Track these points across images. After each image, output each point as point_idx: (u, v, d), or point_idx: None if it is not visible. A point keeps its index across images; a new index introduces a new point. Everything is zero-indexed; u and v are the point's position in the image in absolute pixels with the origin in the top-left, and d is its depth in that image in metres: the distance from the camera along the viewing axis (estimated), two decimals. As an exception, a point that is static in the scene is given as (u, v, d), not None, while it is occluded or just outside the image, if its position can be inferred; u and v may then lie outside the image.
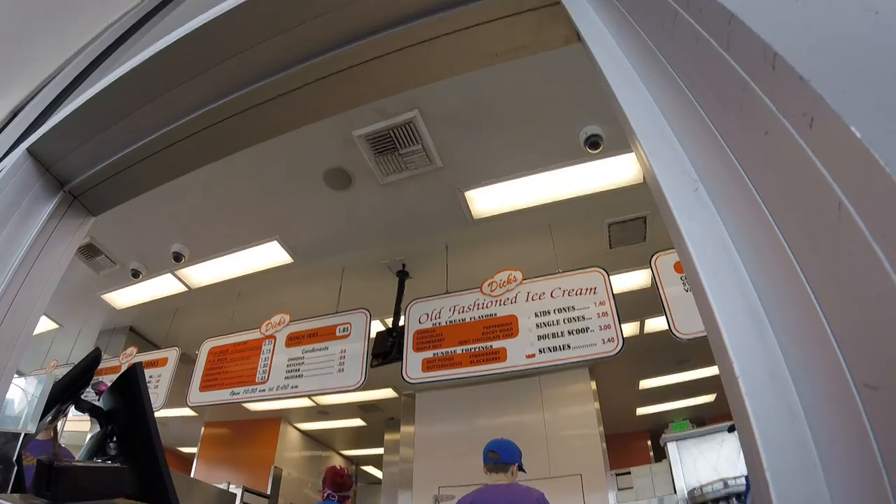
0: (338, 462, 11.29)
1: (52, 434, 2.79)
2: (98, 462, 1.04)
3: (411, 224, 4.65)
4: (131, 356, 5.81)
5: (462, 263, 4.74)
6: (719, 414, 7.09)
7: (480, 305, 4.14)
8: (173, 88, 1.17)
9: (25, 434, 1.44)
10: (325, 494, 3.75)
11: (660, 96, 0.68)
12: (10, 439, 1.45)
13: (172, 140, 1.26)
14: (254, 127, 1.26)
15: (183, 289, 5.68)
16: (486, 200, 4.30)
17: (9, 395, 1.34)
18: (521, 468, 3.40)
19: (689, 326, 3.28)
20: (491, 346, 3.92)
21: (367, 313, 4.63)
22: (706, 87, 0.55)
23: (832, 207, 0.32)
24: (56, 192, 1.39)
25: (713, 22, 0.51)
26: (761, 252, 0.44)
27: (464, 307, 4.20)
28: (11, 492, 1.39)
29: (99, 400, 1.65)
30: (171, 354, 5.59)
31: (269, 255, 5.07)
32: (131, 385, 1.60)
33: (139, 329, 6.74)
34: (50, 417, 1.46)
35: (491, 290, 4.13)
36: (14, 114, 1.88)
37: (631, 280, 5.23)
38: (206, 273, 5.41)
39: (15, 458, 1.44)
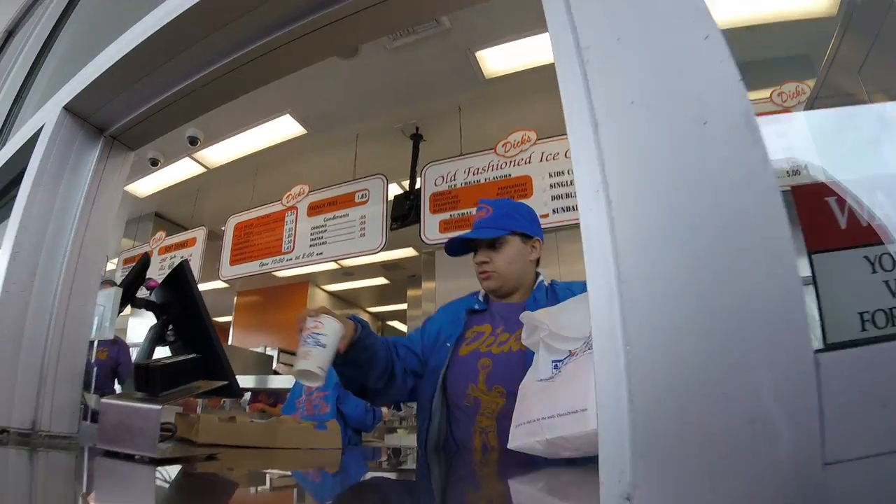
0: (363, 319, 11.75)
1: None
2: (180, 357, 1.22)
3: (422, 87, 4.58)
4: (160, 240, 6.01)
5: (475, 124, 4.71)
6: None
7: (495, 167, 4.18)
8: (201, 41, 1.21)
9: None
10: None
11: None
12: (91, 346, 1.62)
13: (201, 84, 1.31)
14: (279, 65, 1.32)
15: (202, 170, 5.78)
16: (498, 59, 4.21)
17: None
18: None
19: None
20: (506, 206, 3.97)
21: (384, 179, 4.70)
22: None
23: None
24: (98, 137, 1.49)
25: None
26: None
27: (478, 168, 4.25)
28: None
29: (150, 295, 1.79)
30: (199, 234, 5.77)
31: (283, 128, 5.08)
32: (180, 280, 1.73)
33: (164, 213, 6.88)
34: (114, 318, 1.60)
35: (505, 151, 4.14)
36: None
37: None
38: (223, 152, 5.47)
39: (93, 360, 1.62)
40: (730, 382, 0.33)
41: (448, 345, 1.84)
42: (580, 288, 1.81)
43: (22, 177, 1.75)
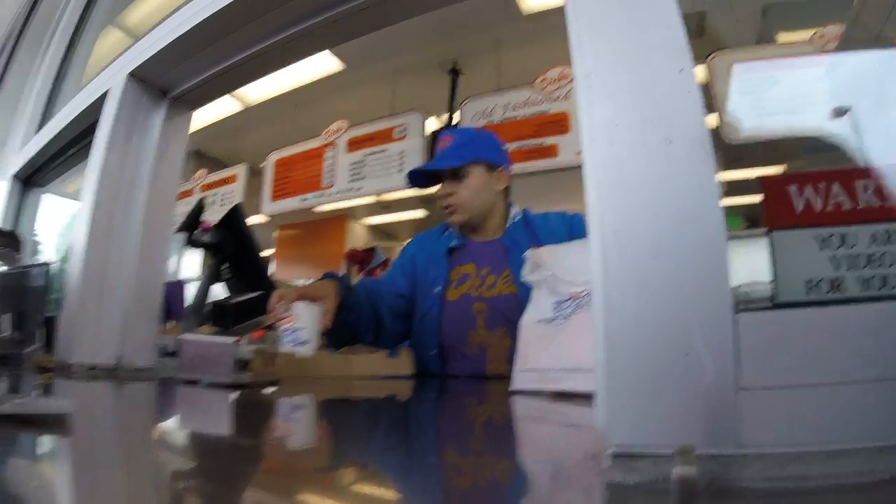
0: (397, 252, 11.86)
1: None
2: (247, 295, 1.35)
3: (460, 21, 4.45)
4: (202, 178, 6.17)
5: (514, 60, 4.63)
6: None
7: (533, 102, 4.14)
8: (260, 17, 1.30)
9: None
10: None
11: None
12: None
13: (257, 55, 1.41)
14: (325, 39, 1.45)
15: (241, 107, 5.84)
16: (535, -7, 4.12)
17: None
18: None
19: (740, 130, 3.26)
20: (543, 143, 4.01)
21: (422, 114, 4.70)
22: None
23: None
24: (162, 99, 1.63)
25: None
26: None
27: (516, 104, 4.21)
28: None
29: (205, 236, 1.92)
30: (240, 171, 5.90)
31: (320, 63, 5.06)
32: (234, 222, 1.86)
33: (204, 151, 6.87)
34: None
35: (543, 87, 4.10)
36: None
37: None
38: (261, 89, 5.46)
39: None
40: (672, 329, 0.47)
41: (436, 290, 1.81)
42: (555, 219, 1.84)
43: (84, 134, 1.92)
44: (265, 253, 10.28)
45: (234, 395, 1.10)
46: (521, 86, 4.24)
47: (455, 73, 5.07)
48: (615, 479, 0.44)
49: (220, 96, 1.68)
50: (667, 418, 0.45)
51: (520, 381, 1.30)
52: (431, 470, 0.57)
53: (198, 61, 1.46)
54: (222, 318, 1.24)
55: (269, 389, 1.24)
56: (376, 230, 10.69)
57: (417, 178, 1.89)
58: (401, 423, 1.01)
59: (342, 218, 9.58)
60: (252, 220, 8.11)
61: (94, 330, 1.39)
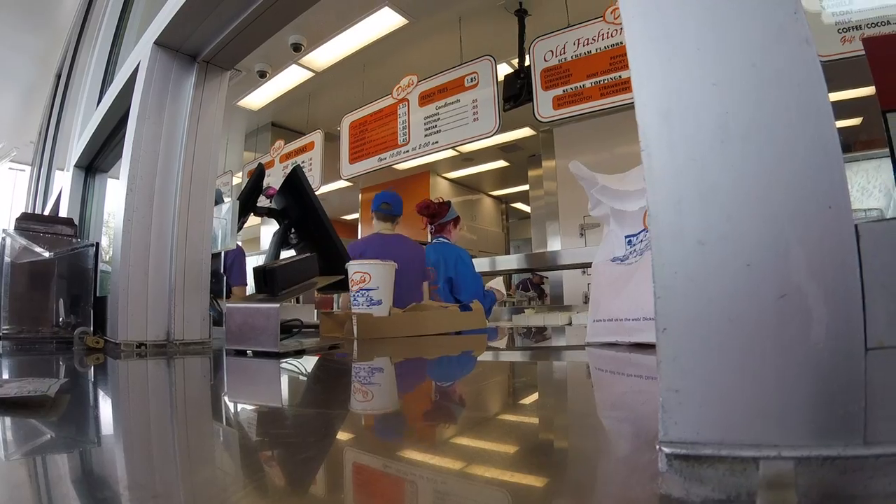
0: (487, 203, 11.82)
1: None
2: (295, 257, 1.31)
3: None
4: (280, 149, 6.31)
5: (582, -10, 4.43)
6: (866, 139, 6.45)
7: (606, 35, 3.96)
8: None
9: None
10: (429, 231, 3.93)
11: None
12: (216, 256, 1.74)
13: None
14: None
15: (310, 74, 5.90)
16: (597, -81, 3.89)
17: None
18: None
19: (829, 48, 2.98)
20: (620, 77, 3.81)
21: (492, 59, 4.57)
22: None
23: None
24: (192, 64, 1.58)
25: None
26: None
27: (588, 39, 4.03)
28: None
29: (271, 202, 1.89)
30: (317, 137, 5.98)
31: (383, 21, 5.02)
32: (295, 184, 1.81)
33: (280, 122, 7.14)
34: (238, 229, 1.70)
35: (615, 17, 3.87)
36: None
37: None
38: (327, 54, 5.52)
39: (223, 270, 1.74)
40: (755, 253, 0.29)
41: None
42: None
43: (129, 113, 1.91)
44: (355, 215, 10.44)
45: (280, 364, 1.03)
46: (592, 19, 4.02)
47: (522, 13, 4.87)
48: (671, 493, 0.30)
49: (250, 50, 1.61)
50: (751, 399, 0.29)
51: (593, 332, 1.20)
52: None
53: (217, 17, 1.39)
54: (266, 282, 1.18)
55: (327, 355, 1.18)
56: (459, 184, 10.65)
57: None
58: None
59: (425, 175, 9.59)
60: (335, 185, 8.24)
61: (140, 307, 1.37)
